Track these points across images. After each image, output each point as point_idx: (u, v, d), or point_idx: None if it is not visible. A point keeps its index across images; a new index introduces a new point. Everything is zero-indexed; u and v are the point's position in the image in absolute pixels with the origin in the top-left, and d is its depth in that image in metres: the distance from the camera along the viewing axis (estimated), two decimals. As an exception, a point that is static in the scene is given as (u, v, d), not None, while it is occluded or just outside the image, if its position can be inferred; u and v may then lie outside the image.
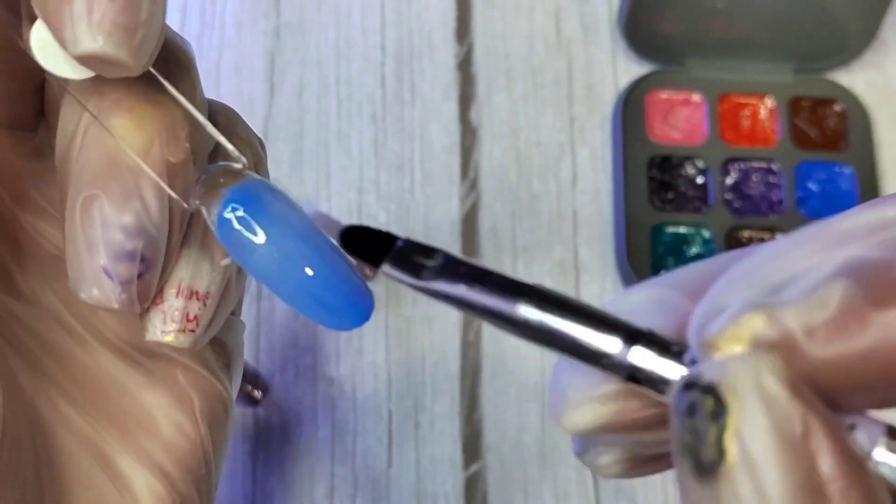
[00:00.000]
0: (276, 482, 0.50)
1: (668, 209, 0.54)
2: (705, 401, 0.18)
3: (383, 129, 0.56)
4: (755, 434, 0.17)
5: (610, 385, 0.21)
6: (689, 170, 0.55)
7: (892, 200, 0.20)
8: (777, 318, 0.18)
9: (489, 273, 0.22)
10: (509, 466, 0.50)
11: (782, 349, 0.18)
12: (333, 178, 0.55)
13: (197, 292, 0.27)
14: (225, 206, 0.25)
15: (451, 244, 0.54)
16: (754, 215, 0.55)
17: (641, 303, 0.21)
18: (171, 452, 0.29)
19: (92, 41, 0.22)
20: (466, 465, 0.50)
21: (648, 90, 0.56)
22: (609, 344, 0.20)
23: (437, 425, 0.51)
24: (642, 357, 0.20)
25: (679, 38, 0.56)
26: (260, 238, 0.24)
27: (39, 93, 0.28)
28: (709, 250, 0.54)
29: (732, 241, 0.54)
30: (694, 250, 0.54)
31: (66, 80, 0.24)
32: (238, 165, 0.26)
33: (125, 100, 0.25)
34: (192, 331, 0.27)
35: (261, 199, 0.25)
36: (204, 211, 0.25)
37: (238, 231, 0.25)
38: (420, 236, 0.53)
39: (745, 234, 0.54)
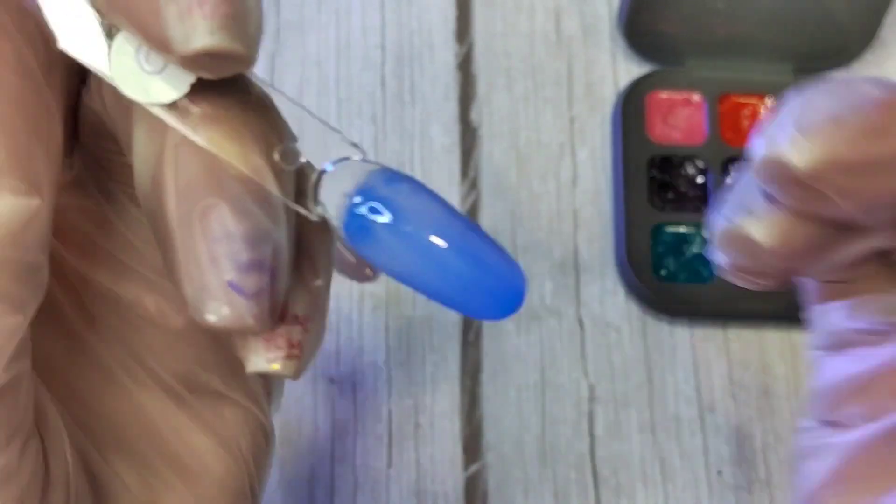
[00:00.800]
0: (275, 482, 0.50)
1: (668, 209, 0.54)
2: None
3: (383, 129, 0.56)
4: None
5: None
6: (690, 170, 0.55)
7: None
8: None
9: None
10: (509, 466, 0.50)
11: None
12: (333, 178, 0.55)
13: (297, 315, 0.25)
14: (359, 200, 0.23)
15: (451, 244, 0.54)
16: (754, 215, 0.55)
17: None
18: (221, 495, 0.29)
19: (207, 35, 0.20)
20: (466, 465, 0.50)
21: (648, 90, 0.56)
22: None
23: (437, 425, 0.51)
24: None
25: (679, 39, 0.56)
26: (405, 228, 0.22)
27: (73, 114, 0.26)
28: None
29: (732, 241, 0.54)
30: (694, 250, 0.54)
31: (152, 105, 0.23)
32: (356, 157, 0.24)
33: (211, 111, 0.23)
34: (297, 357, 0.25)
35: (396, 187, 0.23)
36: (328, 212, 0.23)
37: (376, 225, 0.22)
38: (420, 236, 0.53)
39: (745, 234, 0.54)
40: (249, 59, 0.21)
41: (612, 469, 0.51)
